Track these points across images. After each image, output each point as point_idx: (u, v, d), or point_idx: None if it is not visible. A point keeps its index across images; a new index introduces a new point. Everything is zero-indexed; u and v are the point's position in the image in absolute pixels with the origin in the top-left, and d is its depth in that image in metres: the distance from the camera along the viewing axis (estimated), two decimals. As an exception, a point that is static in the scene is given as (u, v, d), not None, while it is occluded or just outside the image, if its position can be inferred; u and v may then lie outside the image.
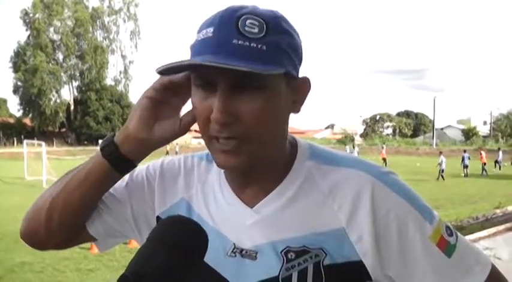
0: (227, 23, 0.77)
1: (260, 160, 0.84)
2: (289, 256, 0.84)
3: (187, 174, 0.99)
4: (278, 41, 0.79)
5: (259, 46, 0.76)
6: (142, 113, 0.87)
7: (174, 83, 0.86)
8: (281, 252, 0.84)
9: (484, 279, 0.85)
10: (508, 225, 10.09)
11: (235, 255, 0.87)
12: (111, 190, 0.97)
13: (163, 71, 0.81)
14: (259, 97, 0.78)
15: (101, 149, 0.90)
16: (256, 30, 0.77)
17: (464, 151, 26.64)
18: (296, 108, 0.87)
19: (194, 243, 0.68)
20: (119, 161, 0.89)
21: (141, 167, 1.01)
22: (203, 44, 0.78)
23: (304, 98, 0.87)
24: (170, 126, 0.87)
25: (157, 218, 0.97)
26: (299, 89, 0.86)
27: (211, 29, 0.78)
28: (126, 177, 0.99)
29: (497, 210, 12.04)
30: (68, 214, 0.93)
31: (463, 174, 24.67)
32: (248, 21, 0.77)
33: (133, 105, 0.89)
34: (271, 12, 0.82)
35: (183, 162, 1.01)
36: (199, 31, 0.81)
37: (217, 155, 0.82)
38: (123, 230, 1.00)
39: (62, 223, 0.94)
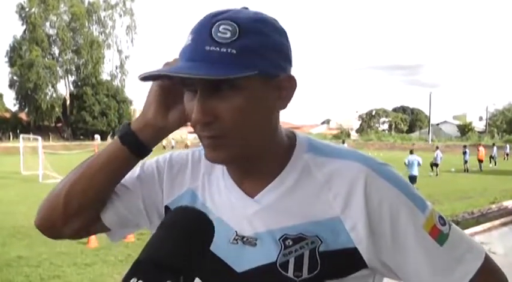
0: (202, 30, 0.82)
1: (244, 154, 0.88)
2: (287, 243, 0.88)
3: (194, 166, 1.04)
4: (250, 44, 0.81)
5: (229, 50, 0.79)
6: (159, 101, 0.93)
7: None
8: (279, 240, 0.88)
9: (477, 267, 0.87)
10: (503, 220, 10.14)
11: (237, 242, 0.92)
12: (122, 181, 1.01)
13: (145, 79, 0.86)
14: (235, 97, 0.82)
15: (120, 137, 0.96)
16: (228, 35, 0.80)
17: (465, 146, 26.72)
18: (282, 104, 0.89)
19: (202, 231, 0.71)
20: (138, 147, 0.95)
21: (151, 160, 1.07)
22: (184, 51, 0.84)
23: (291, 95, 0.89)
24: (181, 112, 0.92)
25: (166, 207, 1.02)
26: (283, 86, 0.87)
27: (191, 37, 0.83)
28: (137, 169, 1.05)
29: (493, 206, 12.09)
30: (87, 199, 0.97)
31: (463, 169, 24.82)
32: (221, 27, 0.81)
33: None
34: (253, 14, 0.84)
35: (191, 155, 1.06)
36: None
37: (205, 150, 0.88)
38: (135, 219, 1.04)
39: (81, 209, 0.98)
